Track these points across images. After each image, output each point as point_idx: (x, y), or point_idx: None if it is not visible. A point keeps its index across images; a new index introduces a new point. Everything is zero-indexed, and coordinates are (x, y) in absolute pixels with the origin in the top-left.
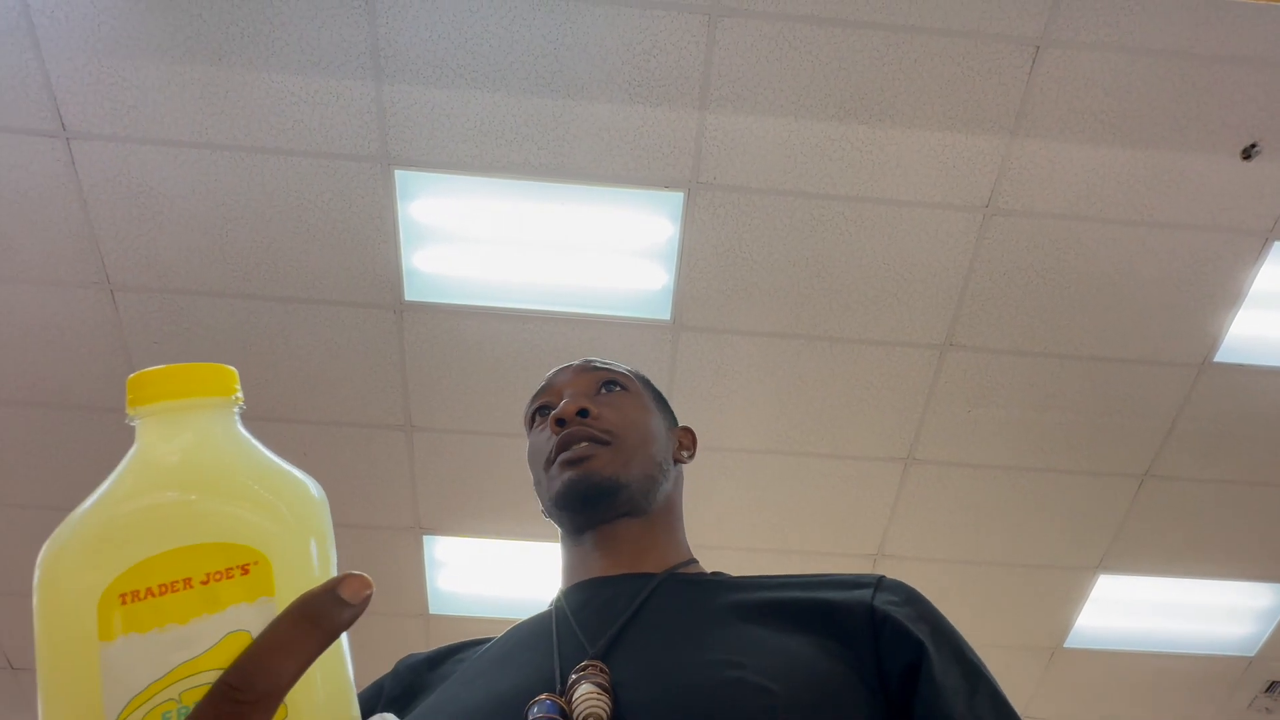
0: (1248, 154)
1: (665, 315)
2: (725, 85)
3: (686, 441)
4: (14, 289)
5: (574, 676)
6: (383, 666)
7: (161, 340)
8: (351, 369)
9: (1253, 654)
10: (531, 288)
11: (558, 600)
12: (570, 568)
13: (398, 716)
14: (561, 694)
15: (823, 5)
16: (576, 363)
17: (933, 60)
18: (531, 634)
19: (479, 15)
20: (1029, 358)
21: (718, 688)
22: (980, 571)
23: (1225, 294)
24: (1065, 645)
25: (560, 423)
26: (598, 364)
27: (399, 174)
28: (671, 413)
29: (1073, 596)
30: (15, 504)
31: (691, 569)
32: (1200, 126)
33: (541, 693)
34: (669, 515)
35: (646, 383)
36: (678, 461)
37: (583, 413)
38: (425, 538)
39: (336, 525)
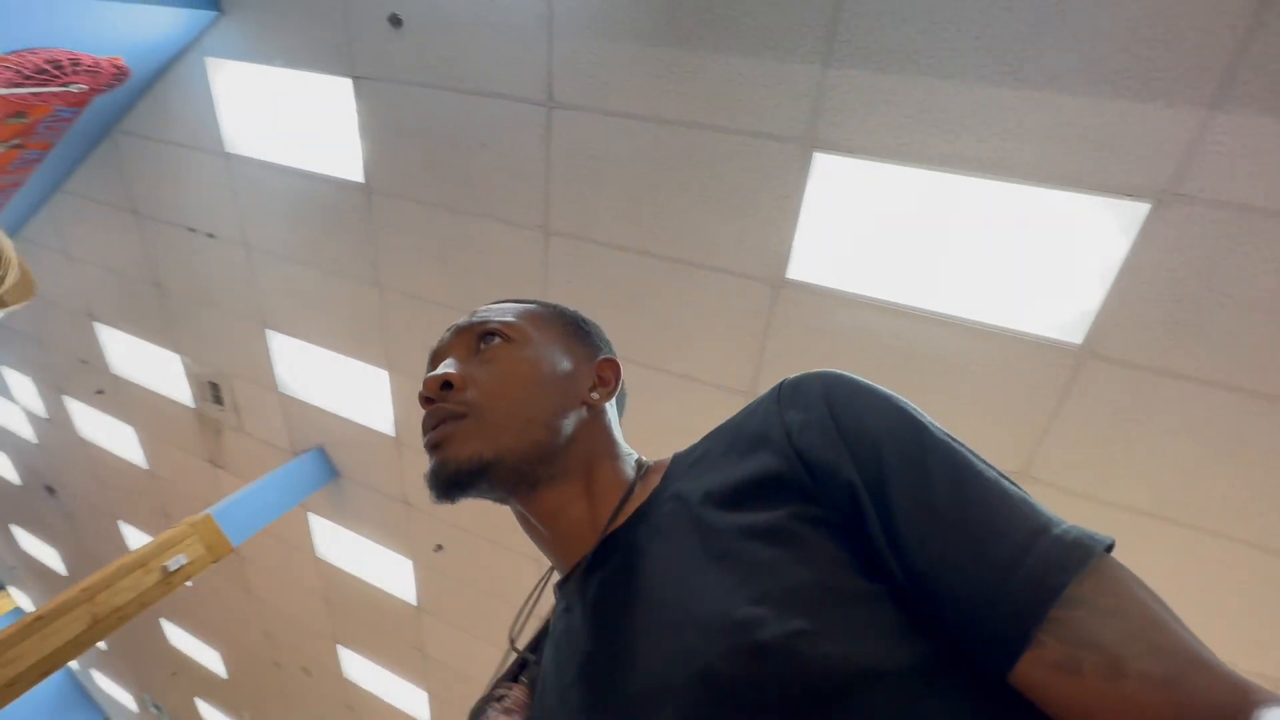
0: None
1: (1076, 339)
2: (1257, 79)
3: (606, 376)
4: (468, 100)
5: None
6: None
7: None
8: (719, 334)
9: None
10: (918, 280)
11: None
12: (540, 545)
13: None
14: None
15: None
16: (461, 320)
17: None
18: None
19: (956, 1)
20: None
21: (737, 657)
22: None
23: None
24: None
25: (429, 400)
26: (478, 316)
27: (817, 156)
28: (596, 344)
29: None
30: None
31: (634, 500)
32: None
33: None
34: (597, 466)
35: (550, 316)
36: (587, 405)
37: (447, 385)
38: None
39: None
